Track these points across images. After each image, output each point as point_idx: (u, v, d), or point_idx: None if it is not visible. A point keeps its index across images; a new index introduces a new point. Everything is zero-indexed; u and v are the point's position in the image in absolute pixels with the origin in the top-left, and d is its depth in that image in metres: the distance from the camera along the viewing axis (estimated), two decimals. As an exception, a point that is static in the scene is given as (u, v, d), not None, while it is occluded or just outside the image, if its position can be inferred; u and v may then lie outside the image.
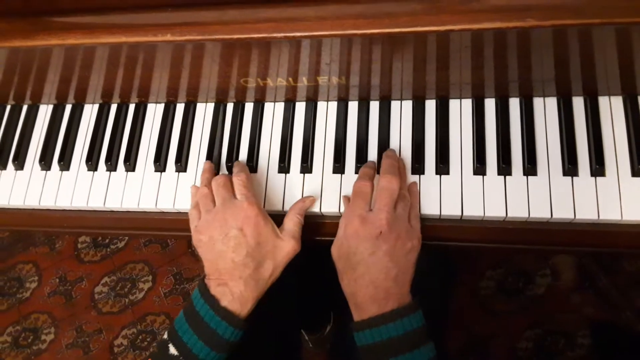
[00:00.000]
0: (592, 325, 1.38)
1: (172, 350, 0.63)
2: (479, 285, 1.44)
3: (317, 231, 0.76)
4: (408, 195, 0.70)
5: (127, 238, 1.65)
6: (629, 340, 1.36)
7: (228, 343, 0.63)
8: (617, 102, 0.73)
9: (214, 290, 0.64)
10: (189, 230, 0.82)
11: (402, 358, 0.59)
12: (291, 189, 0.76)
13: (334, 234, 0.69)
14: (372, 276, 0.62)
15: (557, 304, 1.40)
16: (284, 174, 0.77)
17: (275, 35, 0.58)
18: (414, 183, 0.73)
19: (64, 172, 0.83)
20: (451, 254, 0.96)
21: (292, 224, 0.69)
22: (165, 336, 0.65)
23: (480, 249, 0.80)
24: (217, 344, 0.62)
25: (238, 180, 0.70)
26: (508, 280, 1.44)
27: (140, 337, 1.56)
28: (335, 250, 0.68)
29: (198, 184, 0.78)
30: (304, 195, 0.75)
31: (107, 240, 1.65)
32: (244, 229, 0.65)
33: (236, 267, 0.64)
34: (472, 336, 1.40)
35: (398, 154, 0.75)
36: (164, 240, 1.61)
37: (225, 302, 0.63)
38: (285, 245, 0.67)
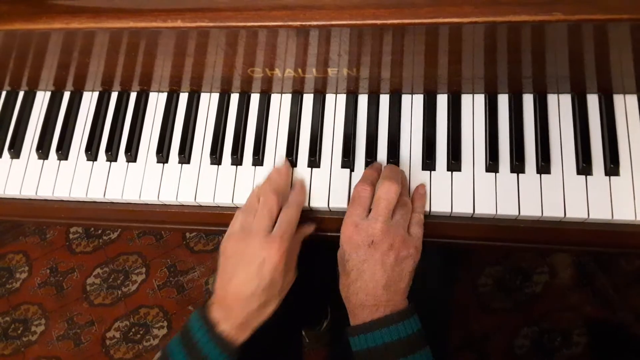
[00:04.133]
0: (589, 324, 1.38)
1: None
2: (477, 283, 1.44)
3: (321, 226, 0.74)
4: (409, 202, 0.68)
5: (119, 229, 1.62)
6: (625, 338, 1.36)
7: None
8: (633, 100, 0.72)
9: (215, 313, 0.63)
10: (190, 224, 0.80)
11: None
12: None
13: (338, 230, 0.68)
14: (363, 283, 0.62)
15: (554, 302, 1.40)
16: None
17: (290, 23, 0.56)
18: (422, 185, 0.71)
19: (62, 162, 0.80)
20: (452, 252, 0.95)
21: (294, 259, 0.68)
22: (159, 354, 0.64)
23: (488, 247, 0.79)
24: None
25: (285, 216, 0.67)
26: (506, 278, 1.43)
27: (133, 329, 1.54)
28: (338, 252, 0.67)
29: (201, 175, 0.76)
30: (311, 188, 0.73)
31: (99, 231, 1.62)
32: (264, 265, 0.63)
33: (242, 298, 0.63)
34: (470, 333, 1.40)
35: (408, 149, 0.73)
36: (158, 232, 1.59)
37: (222, 327, 0.62)
38: (288, 283, 0.67)
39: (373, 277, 0.62)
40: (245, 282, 0.62)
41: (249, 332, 0.64)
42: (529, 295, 1.42)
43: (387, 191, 0.65)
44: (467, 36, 0.61)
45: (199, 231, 1.47)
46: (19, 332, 1.57)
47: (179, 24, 0.58)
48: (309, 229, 0.72)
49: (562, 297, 1.41)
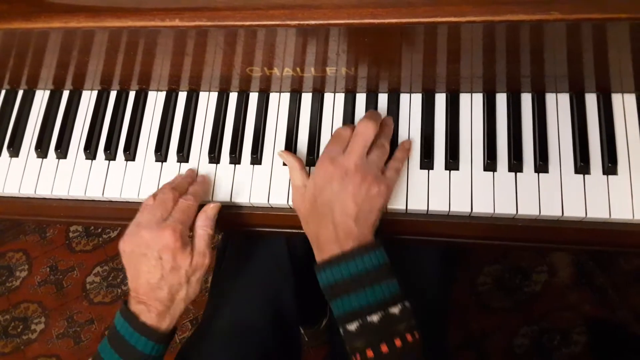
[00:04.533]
0: (588, 323, 1.38)
1: None
2: (476, 282, 1.44)
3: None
4: (387, 146, 0.70)
5: (119, 228, 1.62)
6: (624, 337, 1.36)
7: (149, 358, 0.65)
8: (631, 99, 0.72)
9: (134, 307, 0.66)
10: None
11: (362, 294, 0.59)
12: (297, 182, 0.74)
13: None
14: (335, 215, 0.63)
15: (553, 301, 1.40)
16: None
17: (288, 23, 0.56)
18: (408, 141, 0.73)
19: (61, 160, 0.80)
20: (451, 251, 0.95)
21: (200, 241, 0.68)
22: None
23: (486, 246, 0.79)
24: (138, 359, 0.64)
25: (182, 202, 0.69)
26: (505, 277, 1.43)
27: (132, 328, 1.54)
28: (298, 197, 0.69)
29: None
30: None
31: (99, 230, 1.62)
32: (161, 255, 0.65)
33: (152, 288, 0.65)
34: (469, 332, 1.40)
35: (407, 148, 0.74)
36: (157, 230, 1.59)
37: (143, 318, 0.65)
38: (198, 266, 0.68)
39: (344, 209, 0.63)
40: (149, 273, 0.65)
41: (172, 318, 0.67)
42: (528, 294, 1.42)
43: (363, 128, 0.67)
44: (465, 35, 0.61)
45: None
46: (19, 330, 1.57)
47: (177, 23, 0.58)
48: (214, 207, 0.71)
49: (561, 296, 1.41)
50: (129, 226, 0.69)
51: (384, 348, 0.57)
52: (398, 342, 0.57)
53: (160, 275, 0.65)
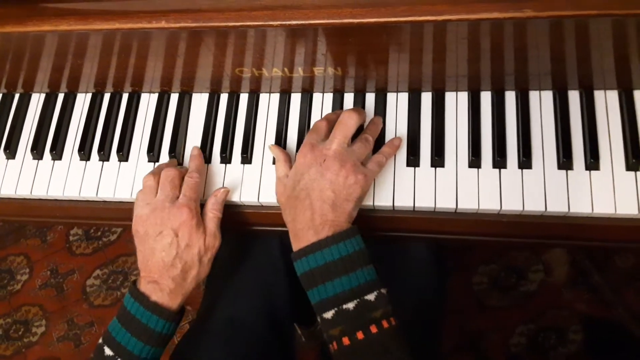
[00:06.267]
0: (584, 321, 1.38)
1: (107, 351, 0.66)
2: (472, 281, 1.45)
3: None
4: (371, 141, 0.71)
5: (119, 230, 1.64)
6: (620, 336, 1.36)
7: (161, 336, 0.66)
8: (613, 96, 0.73)
9: (144, 287, 0.67)
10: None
11: (338, 281, 0.60)
12: (286, 181, 0.75)
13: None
14: (312, 201, 0.64)
15: (549, 300, 1.41)
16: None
17: (270, 23, 0.58)
18: (398, 138, 0.74)
19: (56, 162, 0.82)
20: (446, 250, 0.96)
21: (211, 223, 0.71)
22: (100, 340, 0.68)
23: (474, 242, 0.80)
24: (150, 338, 0.66)
25: (189, 180, 0.71)
26: (501, 276, 1.44)
27: (132, 330, 1.55)
28: (280, 187, 0.70)
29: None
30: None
31: (99, 233, 1.64)
32: (177, 232, 0.67)
33: (165, 266, 0.67)
34: (465, 332, 1.41)
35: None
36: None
37: (155, 297, 0.67)
38: (210, 247, 0.70)
39: (321, 195, 0.64)
40: (164, 251, 0.67)
41: (183, 296, 0.68)
42: (524, 293, 1.42)
43: (347, 117, 0.68)
44: (447, 34, 0.62)
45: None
46: (20, 333, 1.59)
47: (163, 24, 0.60)
48: (224, 192, 0.74)
49: (557, 295, 1.41)
50: (136, 206, 0.71)
51: (360, 335, 0.58)
52: (374, 329, 0.58)
53: (175, 253, 0.67)
